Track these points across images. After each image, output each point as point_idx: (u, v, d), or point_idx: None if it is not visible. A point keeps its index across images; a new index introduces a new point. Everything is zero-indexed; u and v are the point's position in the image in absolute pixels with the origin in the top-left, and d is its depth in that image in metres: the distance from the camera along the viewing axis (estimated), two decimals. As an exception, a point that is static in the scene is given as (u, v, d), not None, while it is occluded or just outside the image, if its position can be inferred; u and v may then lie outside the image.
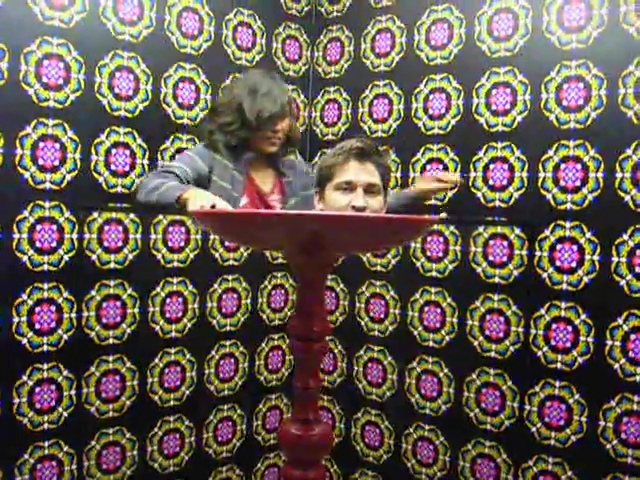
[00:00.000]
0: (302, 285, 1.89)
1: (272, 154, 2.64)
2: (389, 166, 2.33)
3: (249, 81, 2.62)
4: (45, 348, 2.71)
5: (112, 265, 2.87)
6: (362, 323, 3.38)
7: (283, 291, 3.53)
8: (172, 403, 3.12)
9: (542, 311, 2.80)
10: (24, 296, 2.65)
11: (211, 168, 2.52)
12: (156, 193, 2.28)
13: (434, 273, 3.12)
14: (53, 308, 2.72)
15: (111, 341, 2.90)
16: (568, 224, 2.73)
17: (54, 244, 2.70)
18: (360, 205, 2.21)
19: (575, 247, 2.71)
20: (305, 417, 1.84)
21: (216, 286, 3.23)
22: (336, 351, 3.50)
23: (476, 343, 2.98)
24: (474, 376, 3.00)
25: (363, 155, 2.24)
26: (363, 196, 2.22)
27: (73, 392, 2.81)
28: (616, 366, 2.63)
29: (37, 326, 2.68)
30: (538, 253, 2.81)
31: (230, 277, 3.28)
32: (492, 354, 2.94)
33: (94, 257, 2.82)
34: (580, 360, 2.72)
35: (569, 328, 2.73)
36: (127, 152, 2.89)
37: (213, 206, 2.08)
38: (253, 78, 2.64)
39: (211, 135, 2.59)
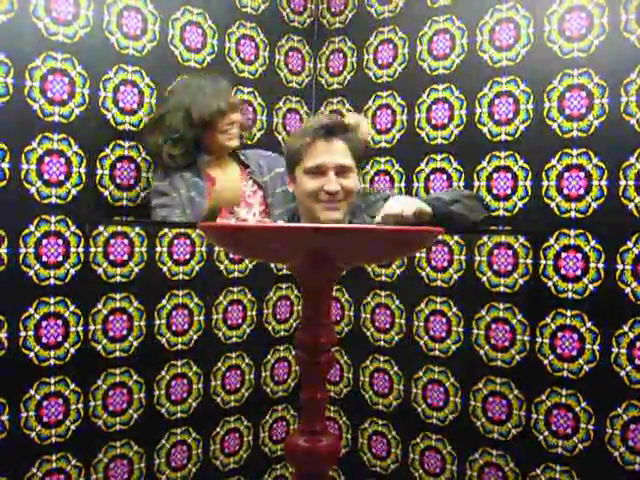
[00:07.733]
0: (308, 297, 1.89)
1: (233, 149, 2.71)
2: (359, 139, 2.26)
3: (191, 84, 2.68)
4: (52, 362, 2.72)
5: (118, 278, 2.88)
6: (368, 333, 3.38)
7: (288, 302, 3.54)
8: (179, 415, 3.12)
9: (547, 319, 2.81)
10: (31, 310, 2.66)
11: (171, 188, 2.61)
12: None
13: (439, 283, 3.12)
14: (60, 322, 2.73)
15: (118, 354, 2.90)
16: (572, 232, 2.73)
17: (60, 258, 2.72)
18: (333, 190, 2.17)
19: (580, 255, 2.72)
20: (312, 429, 1.84)
21: (221, 298, 3.24)
22: (342, 361, 3.50)
23: (482, 352, 2.99)
24: (480, 385, 3.00)
25: (330, 133, 2.16)
26: (335, 179, 2.18)
27: (80, 405, 2.82)
28: (622, 373, 2.63)
29: (44, 340, 2.69)
30: (543, 262, 2.81)
31: (235, 289, 3.29)
32: (498, 363, 2.94)
33: (100, 270, 2.83)
34: (586, 368, 2.72)
35: (575, 336, 2.73)
36: (132, 165, 2.90)
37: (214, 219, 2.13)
38: (194, 81, 2.71)
39: (159, 149, 2.63)
